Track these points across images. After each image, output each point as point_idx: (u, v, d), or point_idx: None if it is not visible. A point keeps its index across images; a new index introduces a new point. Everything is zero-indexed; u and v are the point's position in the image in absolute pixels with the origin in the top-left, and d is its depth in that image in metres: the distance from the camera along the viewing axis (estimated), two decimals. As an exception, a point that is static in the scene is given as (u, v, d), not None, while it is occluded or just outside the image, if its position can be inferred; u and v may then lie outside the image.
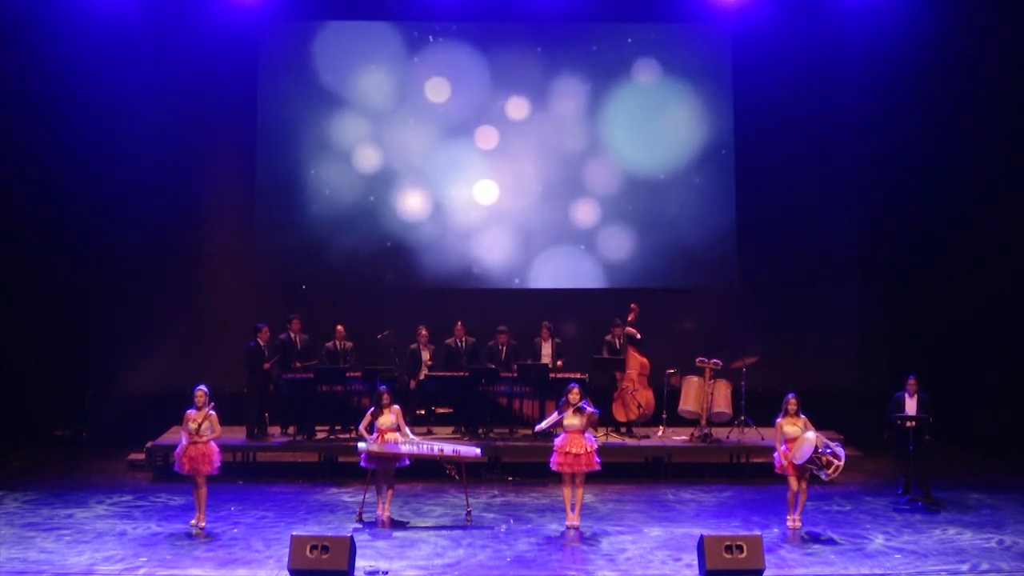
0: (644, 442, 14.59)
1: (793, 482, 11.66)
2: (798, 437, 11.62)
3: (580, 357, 15.21)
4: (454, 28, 16.48)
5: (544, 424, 12.17)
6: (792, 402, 11.73)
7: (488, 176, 16.56)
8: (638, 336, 14.99)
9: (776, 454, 11.80)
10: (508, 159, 16.53)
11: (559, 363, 14.74)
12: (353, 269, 16.49)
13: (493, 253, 16.58)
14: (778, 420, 11.76)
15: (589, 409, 11.70)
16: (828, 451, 11.56)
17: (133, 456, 14.58)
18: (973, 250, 16.14)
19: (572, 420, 11.69)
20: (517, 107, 16.50)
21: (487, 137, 16.52)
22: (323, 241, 16.49)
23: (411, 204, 16.50)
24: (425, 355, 15.00)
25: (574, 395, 11.72)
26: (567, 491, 11.79)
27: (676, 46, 16.58)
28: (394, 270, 16.51)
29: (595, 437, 12.12)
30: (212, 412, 11.67)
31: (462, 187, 16.55)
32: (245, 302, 16.21)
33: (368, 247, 16.49)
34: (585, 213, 16.55)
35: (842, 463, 11.58)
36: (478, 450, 12.45)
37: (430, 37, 16.49)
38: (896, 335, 16.48)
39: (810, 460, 11.48)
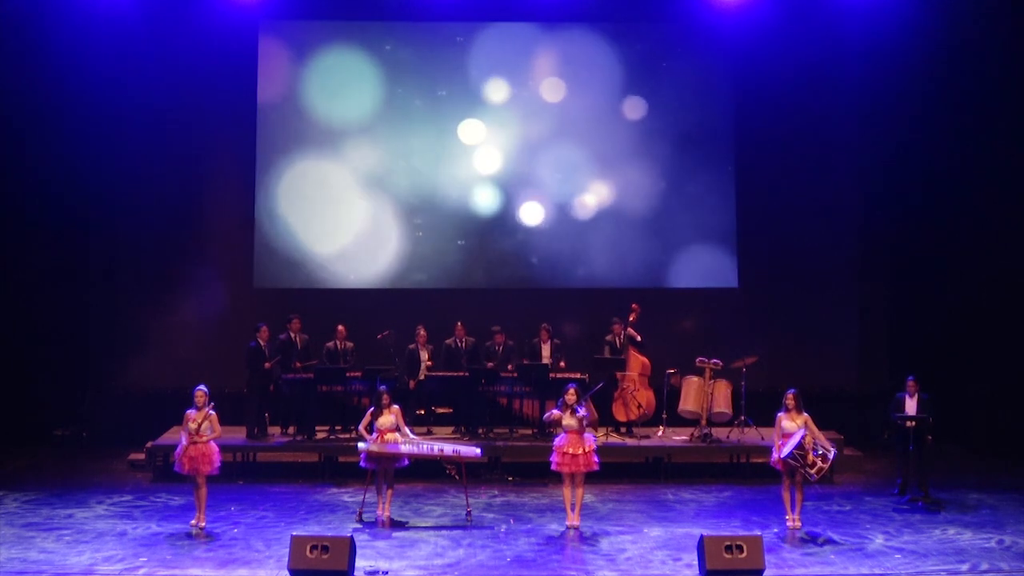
0: (644, 442, 14.59)
1: (785, 479, 11.66)
2: (794, 433, 11.62)
3: (580, 357, 15.20)
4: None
5: (547, 416, 12.13)
6: (791, 397, 11.72)
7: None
8: (638, 338, 15.01)
9: (773, 447, 11.80)
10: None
11: (561, 364, 14.75)
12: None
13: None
14: (778, 415, 11.77)
15: (580, 413, 11.69)
16: (817, 452, 11.51)
17: (133, 456, 14.58)
18: (973, 250, 16.14)
19: (570, 421, 11.70)
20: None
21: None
22: (325, 240, 16.52)
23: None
24: (424, 355, 15.00)
25: (570, 396, 11.73)
26: (567, 491, 11.79)
27: (675, 46, 16.58)
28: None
29: (595, 437, 12.13)
30: (212, 412, 11.66)
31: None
32: (245, 302, 16.22)
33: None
34: (589, 212, 16.65)
35: (826, 466, 11.55)
36: (478, 450, 12.43)
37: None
38: (896, 335, 16.51)
39: (793, 457, 11.44)
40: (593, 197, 16.59)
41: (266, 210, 16.52)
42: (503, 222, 16.58)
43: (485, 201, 16.57)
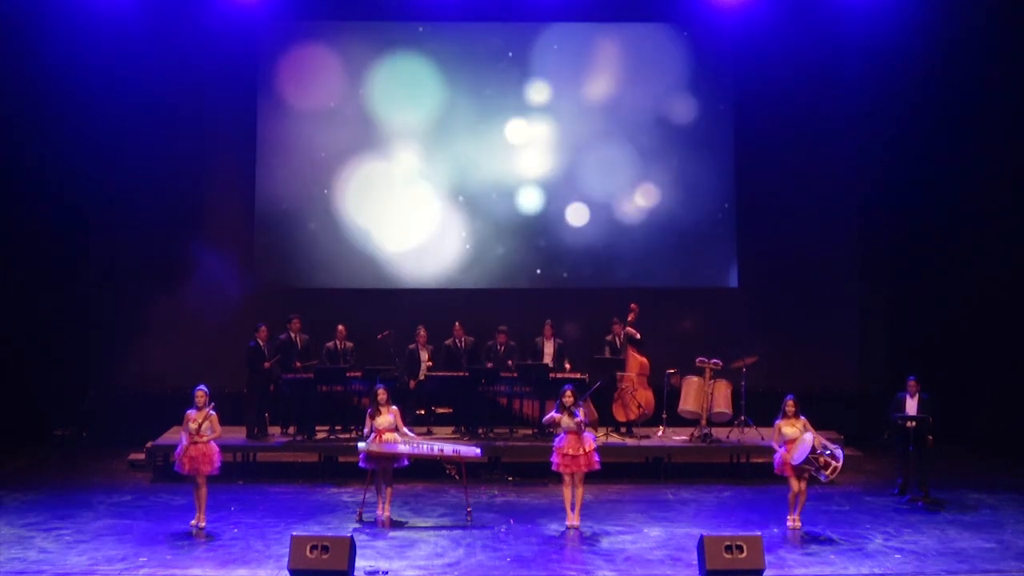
0: (644, 442, 14.59)
1: (793, 483, 11.67)
2: (796, 438, 11.64)
3: (581, 357, 15.16)
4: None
5: (545, 419, 12.17)
6: (790, 404, 11.75)
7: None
8: (638, 336, 15.01)
9: (776, 455, 11.82)
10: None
11: (567, 365, 14.73)
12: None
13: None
14: (777, 422, 11.79)
15: (578, 417, 11.69)
16: (827, 452, 11.59)
17: (133, 456, 14.58)
18: (973, 250, 16.14)
19: (568, 422, 11.70)
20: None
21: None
22: (325, 240, 16.53)
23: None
24: (424, 355, 14.99)
25: (567, 398, 11.73)
26: (567, 491, 11.79)
27: (675, 45, 16.56)
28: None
29: (595, 436, 12.14)
30: (212, 412, 11.67)
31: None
32: (245, 302, 16.21)
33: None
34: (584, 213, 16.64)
35: (840, 464, 11.62)
36: (478, 450, 12.44)
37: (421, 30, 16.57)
38: (896, 335, 16.52)
39: (807, 461, 11.51)
40: (592, 198, 16.58)
41: (267, 210, 16.52)
42: (507, 224, 16.58)
43: (485, 202, 16.61)
